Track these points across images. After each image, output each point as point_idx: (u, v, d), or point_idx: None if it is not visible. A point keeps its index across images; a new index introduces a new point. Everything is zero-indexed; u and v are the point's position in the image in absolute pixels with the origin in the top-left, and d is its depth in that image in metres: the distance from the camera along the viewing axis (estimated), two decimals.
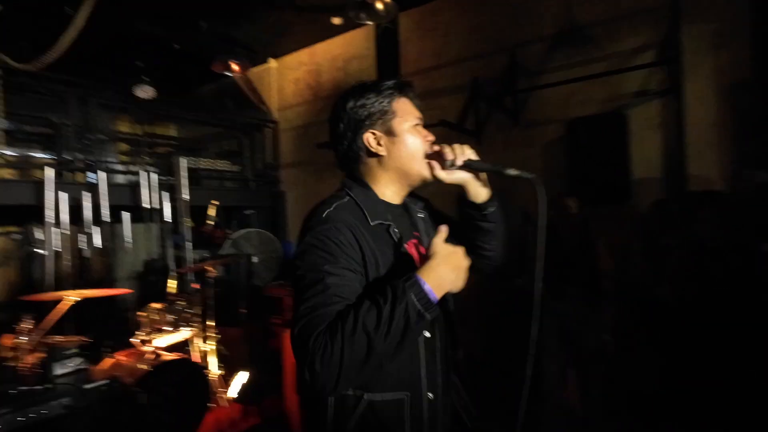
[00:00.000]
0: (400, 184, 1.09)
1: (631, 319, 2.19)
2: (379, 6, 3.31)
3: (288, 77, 5.54)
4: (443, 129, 3.92)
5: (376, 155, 1.07)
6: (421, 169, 1.07)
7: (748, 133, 2.91)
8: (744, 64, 2.96)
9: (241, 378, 3.28)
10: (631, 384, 2.45)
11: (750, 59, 2.92)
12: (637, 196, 3.22)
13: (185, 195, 4.16)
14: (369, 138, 1.07)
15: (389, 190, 1.10)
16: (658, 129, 3.30)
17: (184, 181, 4.16)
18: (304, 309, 0.88)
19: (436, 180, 1.09)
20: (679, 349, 1.69)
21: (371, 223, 1.02)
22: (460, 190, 1.12)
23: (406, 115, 1.08)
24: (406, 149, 1.05)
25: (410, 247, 1.07)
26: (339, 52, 5.07)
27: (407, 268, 0.94)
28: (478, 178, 1.10)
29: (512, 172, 0.99)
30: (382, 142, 1.07)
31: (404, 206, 1.15)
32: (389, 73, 4.64)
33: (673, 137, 3.21)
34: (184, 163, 4.17)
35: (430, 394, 0.99)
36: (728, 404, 1.72)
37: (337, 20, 4.20)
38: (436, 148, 1.07)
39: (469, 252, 0.97)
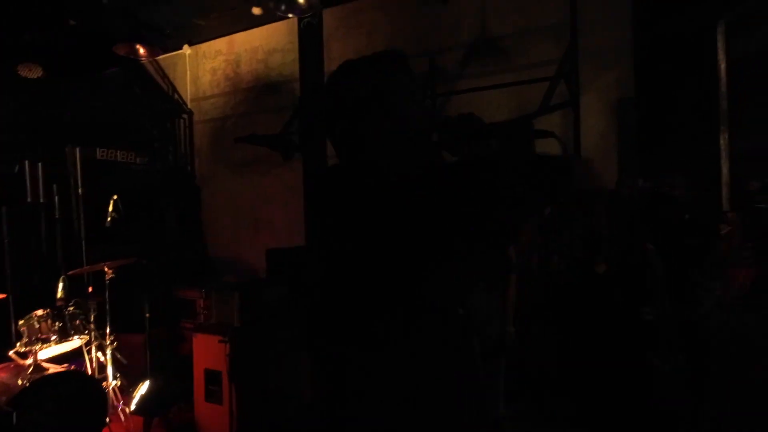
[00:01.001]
0: None
1: (531, 303, 2.36)
2: (301, 0, 3.24)
3: (204, 66, 5.22)
4: None
5: None
6: None
7: (630, 145, 3.29)
8: (628, 82, 3.34)
9: (144, 388, 3.04)
10: (531, 365, 2.65)
11: (632, 78, 3.30)
12: None
13: (80, 188, 3.75)
14: None
15: None
16: (560, 137, 3.61)
17: (78, 173, 3.74)
18: None
19: None
20: (574, 330, 1.84)
21: None
22: None
23: None
24: None
25: None
26: (260, 43, 4.88)
27: None
28: None
29: None
30: None
31: None
32: (312, 68, 4.57)
33: (571, 145, 3.53)
34: (78, 153, 3.75)
35: None
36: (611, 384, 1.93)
37: (257, 10, 4.04)
38: None
39: None
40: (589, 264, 1.84)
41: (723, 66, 2.89)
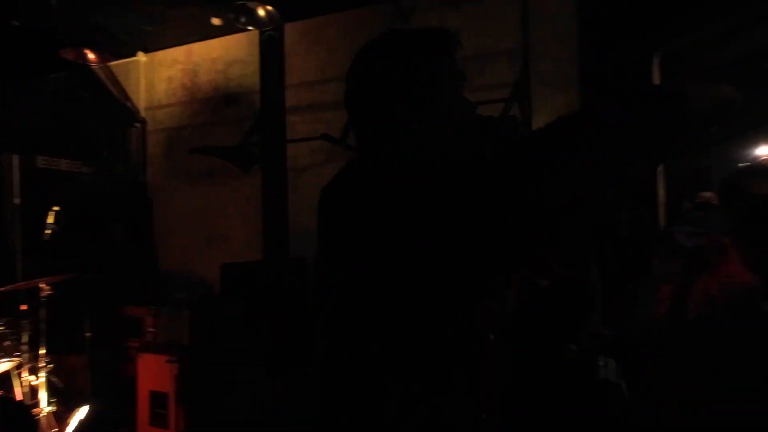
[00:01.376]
0: None
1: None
2: (261, 12, 3.23)
3: (160, 74, 5.07)
4: (324, 143, 3.95)
5: None
6: None
7: None
8: (576, 106, 3.54)
9: (82, 413, 2.83)
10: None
11: (579, 103, 3.51)
12: None
13: (16, 199, 3.51)
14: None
15: None
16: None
17: (15, 182, 3.50)
18: None
19: None
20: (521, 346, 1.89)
21: None
22: None
23: None
24: None
25: None
26: (219, 54, 4.81)
27: None
28: None
29: None
30: None
31: None
32: (273, 81, 4.54)
33: None
34: (16, 161, 3.52)
35: None
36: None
37: (216, 21, 3.99)
38: None
39: None
40: (535, 279, 1.93)
41: None
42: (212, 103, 4.80)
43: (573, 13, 3.54)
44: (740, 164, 1.68)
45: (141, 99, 5.11)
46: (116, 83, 5.13)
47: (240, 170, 4.50)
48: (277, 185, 4.49)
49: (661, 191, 3.12)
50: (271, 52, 4.51)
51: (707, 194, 3.12)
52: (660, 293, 1.33)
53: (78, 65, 4.20)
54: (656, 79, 3.20)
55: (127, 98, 5.13)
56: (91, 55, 3.78)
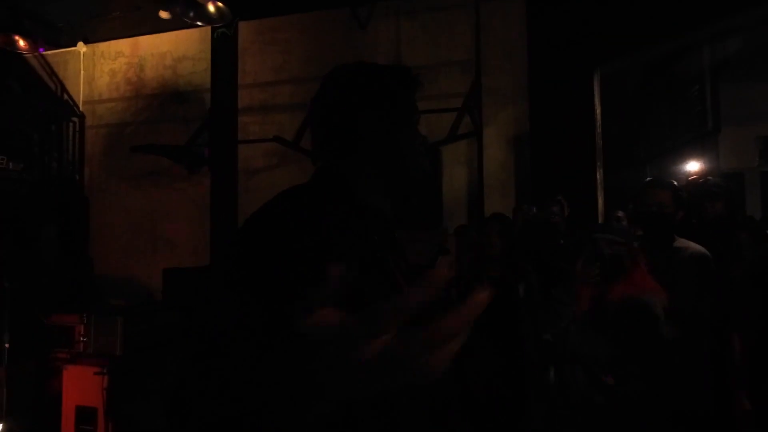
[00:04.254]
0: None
1: None
2: (211, 8, 3.12)
3: (102, 67, 4.78)
4: (277, 145, 3.86)
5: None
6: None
7: (525, 175, 3.60)
8: (524, 119, 3.68)
9: None
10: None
11: (528, 115, 3.64)
12: (446, 221, 3.67)
13: None
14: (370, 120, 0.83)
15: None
16: (465, 165, 3.84)
17: None
18: None
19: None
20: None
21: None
22: None
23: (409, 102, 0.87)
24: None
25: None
26: (168, 49, 4.60)
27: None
28: None
29: None
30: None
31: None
32: (225, 80, 4.40)
33: (475, 173, 3.77)
34: None
35: None
36: None
37: (164, 14, 3.81)
38: None
39: None
40: (476, 283, 1.97)
41: (598, 110, 3.31)
42: (159, 100, 4.58)
43: (522, 30, 3.69)
44: (647, 179, 1.83)
45: (80, 92, 4.79)
46: (52, 74, 4.79)
47: (187, 171, 4.32)
48: (227, 187, 4.34)
49: (600, 202, 3.30)
50: (223, 50, 4.37)
51: (619, 213, 3.35)
52: (581, 295, 1.41)
53: (7, 53, 3.88)
54: (597, 97, 3.38)
55: (65, 91, 4.79)
56: (21, 43, 3.50)
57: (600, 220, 3.21)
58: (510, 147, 3.72)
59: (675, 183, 1.86)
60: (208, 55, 4.43)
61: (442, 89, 3.85)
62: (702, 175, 4.75)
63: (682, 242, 1.74)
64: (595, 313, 1.45)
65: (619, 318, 1.40)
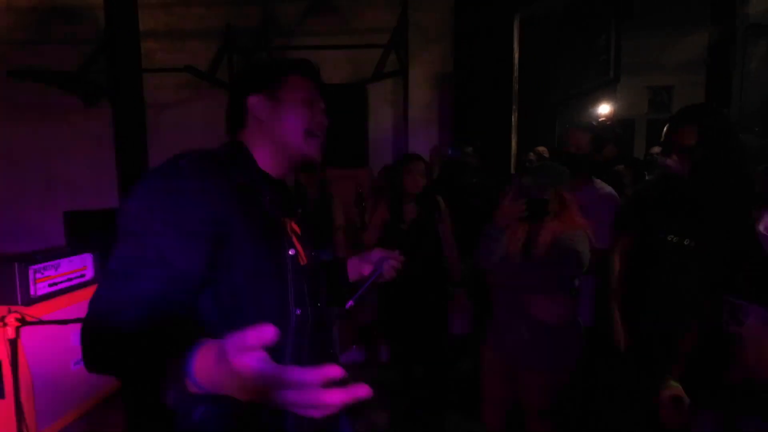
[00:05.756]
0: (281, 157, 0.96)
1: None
2: None
3: None
4: (190, 76, 3.54)
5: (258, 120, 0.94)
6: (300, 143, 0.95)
7: (447, 117, 3.71)
8: (448, 59, 3.71)
9: None
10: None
11: (452, 55, 3.68)
12: (372, 160, 3.71)
13: None
14: (253, 101, 0.94)
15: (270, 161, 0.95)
16: (391, 105, 3.84)
17: None
18: None
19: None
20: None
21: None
22: None
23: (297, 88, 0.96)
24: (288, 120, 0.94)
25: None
26: None
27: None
28: None
29: None
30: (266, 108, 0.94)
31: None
32: None
33: (401, 112, 3.80)
34: None
35: None
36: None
37: None
38: None
39: None
40: (397, 221, 2.08)
41: (516, 54, 3.45)
42: (40, 16, 3.88)
43: None
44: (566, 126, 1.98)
45: None
46: None
47: (83, 103, 3.82)
48: (133, 123, 3.92)
49: (513, 143, 3.53)
50: None
51: (540, 148, 3.64)
52: (513, 233, 1.55)
53: None
54: (516, 42, 3.49)
55: None
56: None
57: (512, 161, 3.46)
58: (435, 86, 3.77)
59: (594, 125, 2.02)
60: None
61: (367, 24, 3.72)
62: (610, 118, 5.25)
63: (597, 182, 1.91)
64: (525, 250, 1.58)
65: (550, 255, 1.55)
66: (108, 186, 3.90)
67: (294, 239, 0.92)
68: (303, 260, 0.92)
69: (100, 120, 3.86)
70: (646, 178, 2.82)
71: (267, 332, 0.47)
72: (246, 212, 0.82)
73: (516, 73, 3.46)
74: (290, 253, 0.88)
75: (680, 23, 5.44)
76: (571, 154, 1.86)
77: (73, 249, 2.85)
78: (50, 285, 2.53)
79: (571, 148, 1.86)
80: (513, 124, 3.44)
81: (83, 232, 3.15)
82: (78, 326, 0.73)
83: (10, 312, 2.32)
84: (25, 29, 3.90)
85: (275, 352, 0.50)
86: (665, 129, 1.48)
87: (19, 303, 2.41)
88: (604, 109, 5.41)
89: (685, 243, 1.48)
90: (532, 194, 1.55)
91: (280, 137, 0.93)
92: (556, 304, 1.59)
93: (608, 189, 1.92)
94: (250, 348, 0.48)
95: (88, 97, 3.84)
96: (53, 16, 3.87)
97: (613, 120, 5.23)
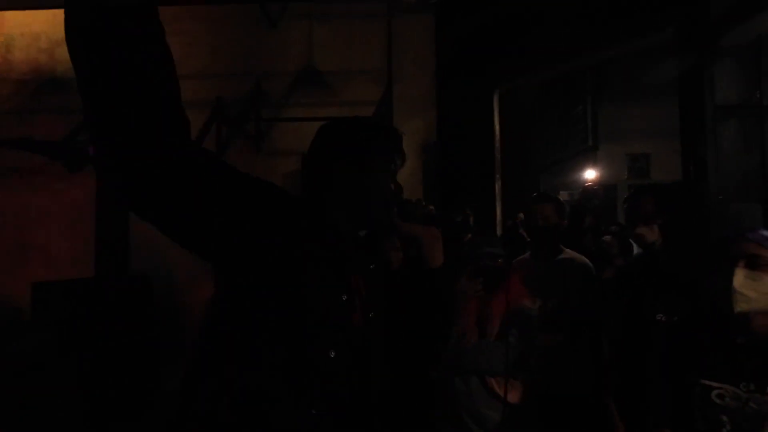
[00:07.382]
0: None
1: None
2: None
3: None
4: None
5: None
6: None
7: (432, 183, 3.75)
8: (432, 129, 3.82)
9: None
10: None
11: (436, 125, 3.79)
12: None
13: None
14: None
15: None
16: None
17: None
18: None
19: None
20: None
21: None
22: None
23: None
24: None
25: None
26: (44, 29, 4.02)
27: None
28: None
29: None
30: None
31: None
32: None
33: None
34: None
35: None
36: None
37: None
38: None
39: None
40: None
41: (497, 127, 3.56)
42: (31, 87, 3.98)
43: (431, 44, 3.83)
44: (533, 194, 1.98)
45: None
46: None
47: (66, 170, 3.80)
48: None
49: (498, 210, 3.54)
50: None
51: (518, 216, 3.65)
52: (468, 308, 1.48)
53: None
54: (496, 114, 3.63)
55: None
56: None
57: (498, 228, 3.45)
58: (419, 155, 3.84)
59: (556, 196, 2.03)
60: None
61: (354, 96, 3.86)
62: (595, 184, 5.36)
63: (568, 253, 1.88)
64: (480, 323, 1.52)
65: (502, 326, 1.49)
66: (83, 255, 3.79)
67: (356, 278, 0.93)
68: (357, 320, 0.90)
69: (82, 187, 3.83)
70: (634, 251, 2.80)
71: None
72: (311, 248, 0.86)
73: (497, 144, 3.55)
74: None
75: (655, 95, 5.77)
76: (539, 227, 1.84)
77: (36, 324, 2.70)
78: None
79: (538, 221, 1.85)
80: (497, 191, 3.47)
81: (51, 304, 2.98)
82: None
83: None
84: (18, 100, 3.98)
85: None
86: (625, 207, 1.54)
87: None
88: (589, 174, 5.55)
89: (674, 320, 1.41)
90: (486, 268, 1.54)
91: (363, 204, 0.98)
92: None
93: (580, 260, 1.88)
94: None
95: (73, 164, 3.84)
96: (45, 88, 3.97)
97: (597, 185, 5.34)
